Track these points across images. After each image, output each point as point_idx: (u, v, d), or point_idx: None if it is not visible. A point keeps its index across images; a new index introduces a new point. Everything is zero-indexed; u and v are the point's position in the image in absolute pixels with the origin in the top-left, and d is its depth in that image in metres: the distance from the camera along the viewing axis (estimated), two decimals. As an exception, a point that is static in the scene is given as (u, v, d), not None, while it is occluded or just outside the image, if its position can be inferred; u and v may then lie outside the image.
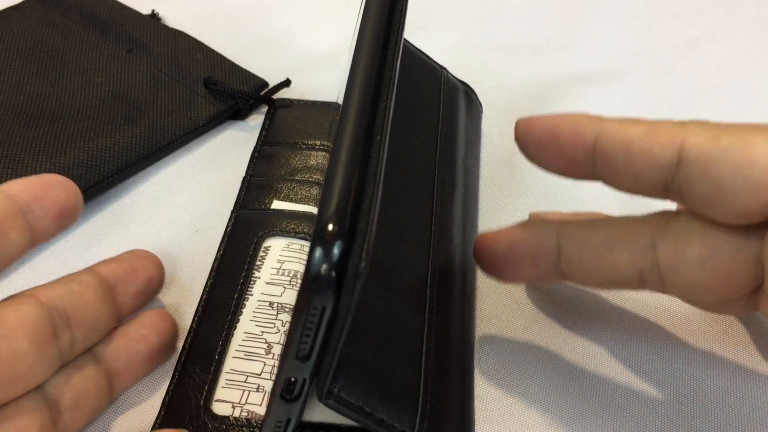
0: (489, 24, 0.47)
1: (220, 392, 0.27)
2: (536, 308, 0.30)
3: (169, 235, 0.34)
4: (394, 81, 0.22)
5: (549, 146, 0.24)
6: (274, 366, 0.28)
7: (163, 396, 0.27)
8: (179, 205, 0.36)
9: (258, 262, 0.31)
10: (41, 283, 0.25)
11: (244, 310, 0.29)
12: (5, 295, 0.24)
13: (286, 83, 0.41)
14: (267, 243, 0.32)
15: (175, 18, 0.47)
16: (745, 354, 0.28)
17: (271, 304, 0.30)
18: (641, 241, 0.24)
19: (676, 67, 0.43)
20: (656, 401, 0.27)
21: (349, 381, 0.22)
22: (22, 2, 0.46)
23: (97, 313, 0.25)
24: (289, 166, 0.36)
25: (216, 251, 0.32)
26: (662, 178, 0.22)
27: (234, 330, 0.29)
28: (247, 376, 0.27)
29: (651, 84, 0.42)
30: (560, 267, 0.26)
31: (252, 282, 0.30)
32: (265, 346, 0.28)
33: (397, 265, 0.27)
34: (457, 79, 0.38)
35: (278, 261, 0.31)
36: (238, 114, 0.40)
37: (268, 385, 0.27)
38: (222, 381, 0.27)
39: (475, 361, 0.29)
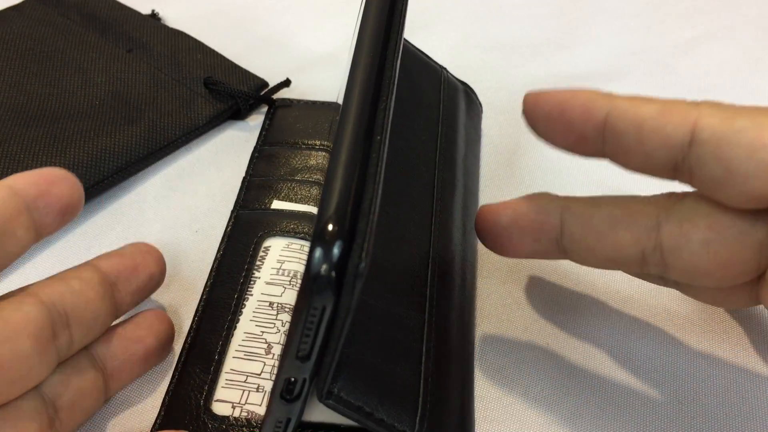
0: (489, 24, 0.47)
1: (220, 392, 0.27)
2: (536, 308, 0.30)
3: (169, 235, 0.34)
4: (394, 81, 0.22)
5: (558, 121, 0.24)
6: (274, 366, 0.28)
7: (163, 396, 0.27)
8: (179, 205, 0.36)
9: (258, 262, 0.31)
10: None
11: (244, 310, 0.29)
12: (3, 293, 0.24)
13: (286, 83, 0.41)
14: (267, 243, 0.32)
15: (175, 18, 0.47)
16: (746, 354, 0.28)
17: (271, 304, 0.30)
18: (645, 222, 0.23)
19: (676, 67, 0.43)
20: (656, 401, 0.27)
21: (349, 381, 0.22)
22: (22, 2, 0.46)
23: (97, 312, 0.25)
24: (289, 166, 0.36)
25: (216, 251, 0.32)
26: (673, 158, 0.22)
27: (234, 330, 0.29)
28: (247, 376, 0.27)
29: (651, 84, 0.42)
30: (562, 244, 0.25)
31: (252, 282, 0.30)
32: (265, 346, 0.28)
33: (397, 265, 0.27)
34: (457, 79, 0.38)
35: (278, 261, 0.31)
36: (238, 114, 0.40)
37: (268, 385, 0.27)
38: (222, 381, 0.27)
39: (475, 360, 0.29)
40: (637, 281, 0.31)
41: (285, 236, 0.32)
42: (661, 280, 0.26)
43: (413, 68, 0.35)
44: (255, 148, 0.37)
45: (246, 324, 0.29)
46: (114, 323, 0.27)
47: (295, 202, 0.34)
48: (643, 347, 0.29)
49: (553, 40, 0.46)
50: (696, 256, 0.22)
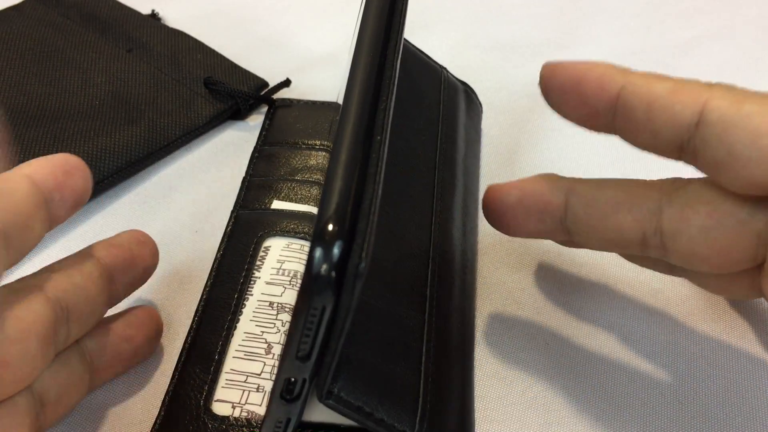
0: (489, 24, 0.47)
1: (220, 392, 0.27)
2: (536, 308, 0.30)
3: (169, 235, 0.34)
4: (394, 81, 0.22)
5: (572, 93, 0.24)
6: (274, 366, 0.28)
7: (163, 396, 0.27)
8: (179, 205, 0.36)
9: (258, 262, 0.31)
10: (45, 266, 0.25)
11: (244, 310, 0.29)
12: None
13: (286, 83, 0.41)
14: (267, 243, 0.32)
15: (175, 18, 0.47)
16: (746, 354, 0.28)
17: (271, 304, 0.30)
18: (648, 205, 0.24)
19: (676, 67, 0.43)
20: (656, 401, 0.27)
21: (349, 381, 0.22)
22: (22, 2, 0.46)
23: (95, 306, 0.25)
24: (289, 166, 0.36)
25: (216, 251, 0.32)
26: (679, 137, 0.22)
27: (234, 330, 0.29)
28: (247, 376, 0.27)
29: (651, 84, 0.42)
30: (566, 224, 0.25)
31: (252, 282, 0.30)
32: (265, 346, 0.28)
33: (397, 265, 0.27)
34: (457, 79, 0.38)
35: (278, 261, 0.31)
36: (238, 114, 0.40)
37: (268, 385, 0.27)
38: (222, 381, 0.27)
39: (475, 360, 0.29)
40: (637, 281, 0.31)
41: (285, 236, 0.32)
42: (664, 266, 0.26)
43: (413, 68, 0.35)
44: (255, 148, 0.37)
45: (246, 324, 0.29)
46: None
47: (295, 202, 0.34)
48: (643, 347, 0.29)
49: (553, 40, 0.46)
50: (694, 241, 0.23)
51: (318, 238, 0.17)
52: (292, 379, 0.20)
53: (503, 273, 0.32)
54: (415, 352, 0.25)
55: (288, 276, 0.31)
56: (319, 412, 0.25)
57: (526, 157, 0.38)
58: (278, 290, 0.30)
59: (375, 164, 0.19)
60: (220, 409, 0.26)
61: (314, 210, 0.33)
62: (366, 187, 0.18)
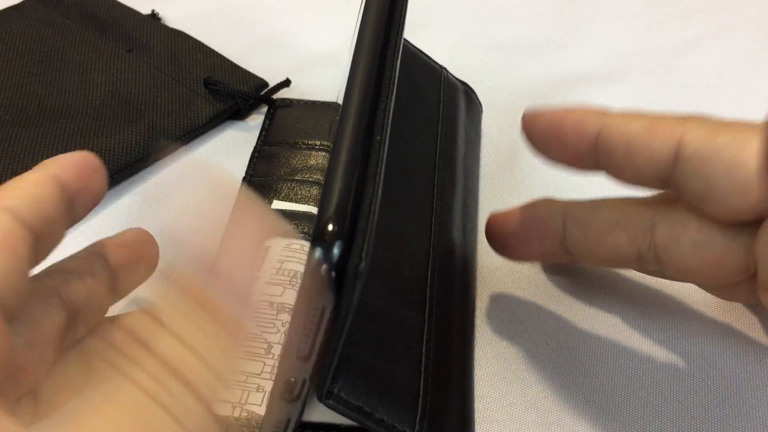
0: (489, 24, 0.47)
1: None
2: (536, 308, 0.30)
3: (169, 235, 0.34)
4: (394, 81, 0.22)
5: (554, 139, 0.25)
6: (274, 366, 0.28)
7: (163, 396, 0.27)
8: (179, 205, 0.36)
9: (258, 262, 0.31)
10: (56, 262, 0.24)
11: (244, 310, 0.29)
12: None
13: (286, 83, 0.41)
14: (267, 243, 0.32)
15: (175, 18, 0.47)
16: (746, 354, 0.28)
17: (271, 304, 0.30)
18: (641, 223, 0.24)
19: (676, 67, 0.43)
20: (656, 401, 0.27)
21: (349, 381, 0.22)
22: (22, 2, 0.46)
23: (101, 308, 0.25)
24: (289, 166, 0.36)
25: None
26: (660, 173, 0.22)
27: (234, 330, 0.29)
28: (247, 376, 0.27)
29: (651, 84, 0.42)
30: (566, 246, 0.26)
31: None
32: (265, 346, 0.28)
33: (397, 265, 0.27)
34: (457, 79, 0.38)
35: (278, 261, 0.31)
36: (238, 114, 0.40)
37: (268, 385, 0.27)
38: (222, 381, 0.27)
39: (474, 360, 0.29)
40: (637, 281, 0.31)
41: (285, 236, 0.32)
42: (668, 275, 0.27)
43: (413, 68, 0.35)
44: (255, 148, 0.37)
45: (246, 324, 0.29)
46: None
47: (295, 202, 0.34)
48: (642, 348, 0.29)
49: (553, 40, 0.46)
50: (686, 256, 0.23)
51: (318, 238, 0.17)
52: (292, 379, 0.20)
53: (503, 273, 0.32)
54: (415, 352, 0.25)
55: (288, 276, 0.31)
56: (319, 412, 0.25)
57: (526, 157, 0.38)
58: (278, 290, 0.30)
59: (375, 164, 0.19)
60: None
61: (314, 210, 0.33)
62: (366, 187, 0.18)
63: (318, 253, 0.17)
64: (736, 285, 0.24)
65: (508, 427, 0.27)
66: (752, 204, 0.21)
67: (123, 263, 0.27)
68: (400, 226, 0.28)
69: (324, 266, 0.17)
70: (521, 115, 0.26)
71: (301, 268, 0.31)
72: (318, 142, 0.37)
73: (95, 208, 0.35)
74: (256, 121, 0.40)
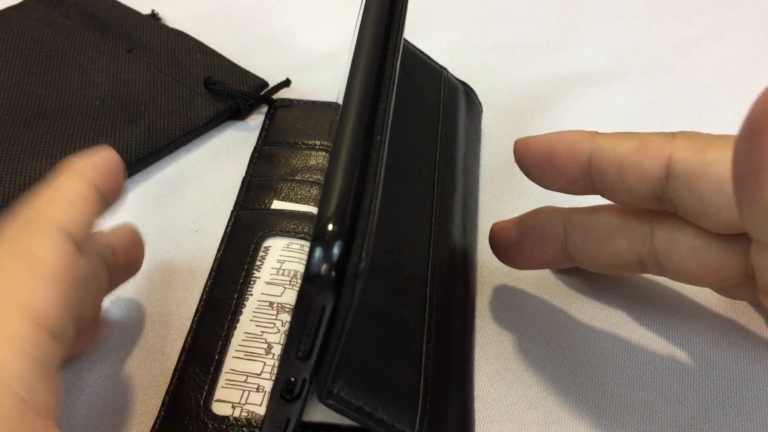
0: (489, 24, 0.47)
1: (220, 392, 0.27)
2: (536, 309, 0.30)
3: (169, 235, 0.34)
4: (394, 81, 0.22)
5: (547, 166, 0.25)
6: (274, 366, 0.28)
7: (163, 396, 0.27)
8: (179, 205, 0.36)
9: (258, 262, 0.31)
10: None
11: (244, 310, 0.29)
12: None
13: (286, 83, 0.41)
14: (267, 243, 0.32)
15: (175, 18, 0.47)
16: (746, 354, 0.28)
17: (271, 304, 0.30)
18: (640, 228, 0.24)
19: (676, 67, 0.43)
20: (656, 401, 0.27)
21: (349, 381, 0.22)
22: (22, 2, 0.46)
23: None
24: (289, 166, 0.36)
25: (216, 251, 0.32)
26: (653, 191, 0.23)
27: (234, 330, 0.29)
28: (247, 376, 0.27)
29: (651, 84, 0.42)
30: (568, 252, 0.27)
31: (252, 282, 0.30)
32: (265, 346, 0.28)
33: (397, 265, 0.27)
34: (457, 79, 0.38)
35: (278, 261, 0.31)
36: (238, 114, 0.40)
37: (268, 385, 0.27)
38: (222, 381, 0.27)
39: (474, 360, 0.29)
40: (637, 281, 0.31)
41: (285, 236, 0.32)
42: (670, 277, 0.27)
43: (413, 68, 0.35)
44: (255, 148, 0.37)
45: (246, 324, 0.29)
46: None
47: (295, 202, 0.34)
48: (642, 347, 0.29)
49: (553, 40, 0.46)
50: (686, 261, 0.24)
51: (318, 238, 0.17)
52: (292, 379, 0.20)
53: (503, 273, 0.32)
54: (415, 352, 0.25)
55: (288, 276, 0.31)
56: (319, 412, 0.25)
57: (526, 157, 0.38)
58: (278, 290, 0.30)
59: (375, 164, 0.19)
60: (220, 409, 0.26)
61: (314, 210, 0.33)
62: (366, 187, 0.18)
63: (318, 252, 0.17)
64: (738, 285, 0.24)
65: (508, 427, 0.27)
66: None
67: (118, 267, 0.27)
68: (400, 226, 0.28)
69: (324, 266, 0.17)
70: (515, 141, 0.26)
71: (301, 268, 0.31)
72: (318, 142, 0.37)
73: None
74: (256, 121, 0.40)
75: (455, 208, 0.31)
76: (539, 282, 0.31)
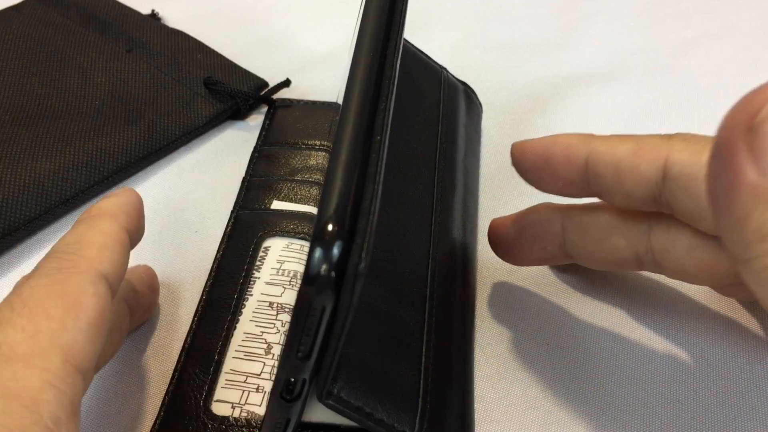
0: (489, 24, 0.47)
1: (219, 392, 0.27)
2: (536, 309, 0.30)
3: (169, 235, 0.34)
4: (394, 81, 0.22)
5: (544, 169, 0.25)
6: (274, 366, 0.28)
7: (162, 396, 0.27)
8: (179, 205, 0.36)
9: (258, 263, 0.31)
10: None
11: (243, 311, 0.29)
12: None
13: (286, 83, 0.41)
14: (267, 243, 0.32)
15: (175, 18, 0.47)
16: (746, 354, 0.28)
17: (271, 304, 0.30)
18: (638, 227, 0.25)
19: (676, 67, 0.43)
20: (656, 401, 0.27)
21: (349, 381, 0.22)
22: (22, 2, 0.46)
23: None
24: (289, 166, 0.36)
25: (216, 251, 0.32)
26: (651, 194, 0.23)
27: (234, 330, 0.29)
28: (247, 376, 0.27)
29: (651, 84, 0.42)
30: (566, 249, 0.27)
31: (252, 282, 0.30)
32: (265, 346, 0.28)
33: (397, 265, 0.27)
34: (457, 79, 0.38)
35: (278, 261, 0.31)
36: (238, 114, 0.40)
37: (268, 385, 0.27)
38: (221, 381, 0.27)
39: (474, 361, 0.29)
40: (636, 281, 0.31)
41: (285, 236, 0.32)
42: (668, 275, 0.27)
43: (413, 68, 0.35)
44: (255, 148, 0.37)
45: (246, 324, 0.29)
46: None
47: (295, 202, 0.34)
48: (642, 347, 0.29)
49: (553, 40, 0.46)
50: (683, 259, 0.24)
51: (318, 238, 0.17)
52: (292, 379, 0.20)
53: (503, 273, 0.32)
54: (415, 352, 0.25)
55: (288, 276, 0.31)
56: (319, 412, 0.25)
57: (526, 157, 0.38)
58: (278, 290, 0.30)
59: (375, 164, 0.19)
60: (219, 409, 0.26)
61: (314, 210, 0.33)
62: (366, 187, 0.18)
63: (318, 253, 0.17)
64: (736, 284, 0.24)
65: (508, 427, 0.27)
66: None
67: (138, 305, 0.28)
68: (400, 226, 0.28)
69: (324, 266, 0.17)
70: (511, 145, 0.26)
71: (301, 268, 0.31)
72: (318, 142, 0.37)
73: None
74: (256, 121, 0.40)
75: (455, 208, 0.31)
76: (539, 282, 0.31)
